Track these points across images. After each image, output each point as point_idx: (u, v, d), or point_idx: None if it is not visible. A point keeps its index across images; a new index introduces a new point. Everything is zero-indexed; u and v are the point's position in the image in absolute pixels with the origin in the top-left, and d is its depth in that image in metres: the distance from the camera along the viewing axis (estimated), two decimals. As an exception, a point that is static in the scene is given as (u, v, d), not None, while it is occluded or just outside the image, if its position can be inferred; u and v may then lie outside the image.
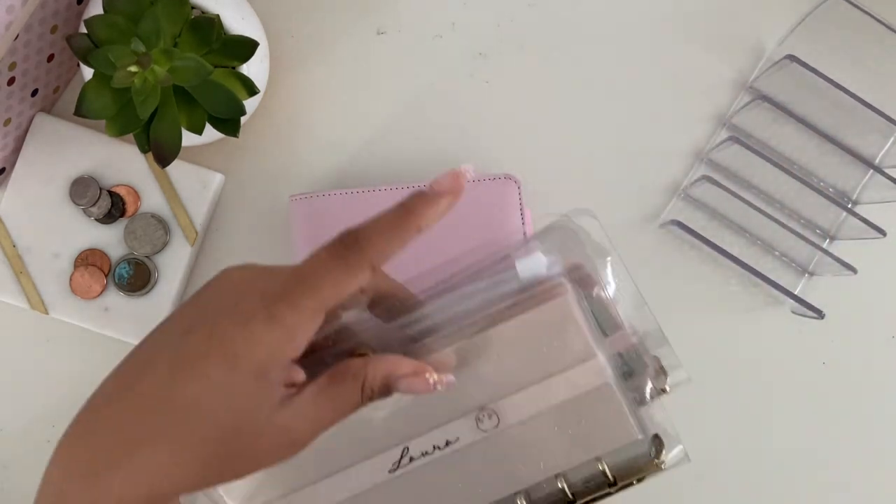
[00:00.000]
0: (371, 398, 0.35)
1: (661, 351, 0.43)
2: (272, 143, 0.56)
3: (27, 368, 0.55)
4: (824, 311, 0.53)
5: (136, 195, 0.54)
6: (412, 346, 0.39)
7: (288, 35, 0.57)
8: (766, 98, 0.54)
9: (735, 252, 0.53)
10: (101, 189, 0.53)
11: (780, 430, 0.56)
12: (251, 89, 0.48)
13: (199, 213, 0.54)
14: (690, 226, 0.53)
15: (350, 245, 0.34)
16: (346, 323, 0.38)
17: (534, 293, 0.39)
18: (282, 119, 0.56)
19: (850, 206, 0.56)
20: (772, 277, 0.53)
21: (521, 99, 0.57)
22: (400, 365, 0.36)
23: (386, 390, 0.35)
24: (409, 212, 0.34)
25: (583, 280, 0.40)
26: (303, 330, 0.33)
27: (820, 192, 0.52)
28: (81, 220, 0.54)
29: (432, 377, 0.36)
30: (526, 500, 0.40)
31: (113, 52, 0.45)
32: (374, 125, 0.56)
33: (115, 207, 0.53)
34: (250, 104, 0.50)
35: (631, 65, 0.57)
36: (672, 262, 0.56)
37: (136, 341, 0.53)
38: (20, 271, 0.53)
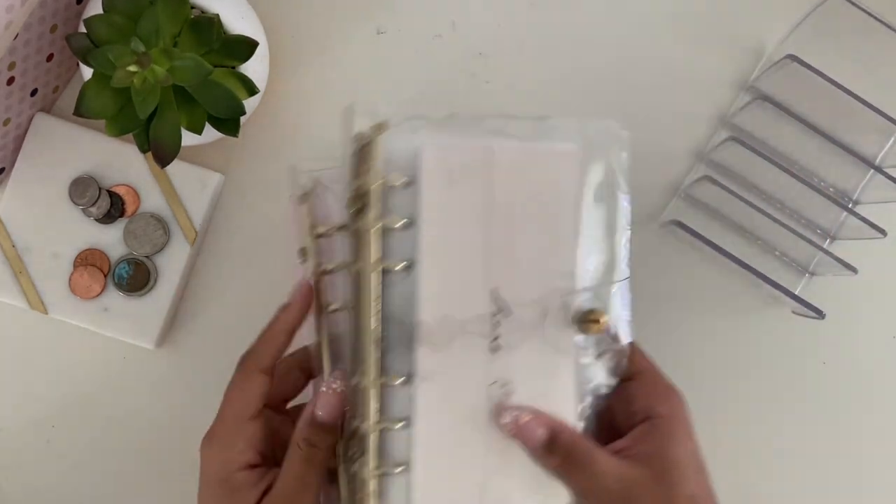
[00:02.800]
0: (306, 444, 0.41)
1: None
2: (272, 143, 0.56)
3: (27, 368, 0.55)
4: (824, 311, 0.53)
5: (136, 195, 0.54)
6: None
7: (288, 35, 0.57)
8: (766, 98, 0.54)
9: (735, 252, 0.53)
10: (100, 189, 0.53)
11: (780, 429, 0.56)
12: (251, 89, 0.48)
13: (198, 213, 0.54)
14: (691, 226, 0.53)
15: (242, 360, 0.44)
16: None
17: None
18: (282, 119, 0.56)
19: (850, 206, 0.56)
20: (772, 277, 0.53)
21: (521, 99, 0.57)
22: (307, 409, 0.42)
23: (314, 429, 0.41)
24: (273, 323, 0.44)
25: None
26: (238, 437, 0.42)
27: (820, 192, 0.52)
28: (81, 220, 0.54)
29: (326, 386, 0.42)
30: None
31: (113, 51, 0.45)
32: (373, 125, 0.56)
33: (114, 207, 0.53)
34: (250, 104, 0.50)
35: (631, 65, 0.57)
36: (672, 262, 0.56)
37: (135, 341, 0.54)
38: (20, 271, 0.53)
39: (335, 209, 0.45)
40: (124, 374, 0.55)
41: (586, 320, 0.42)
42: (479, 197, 0.42)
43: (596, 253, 0.43)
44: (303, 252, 0.46)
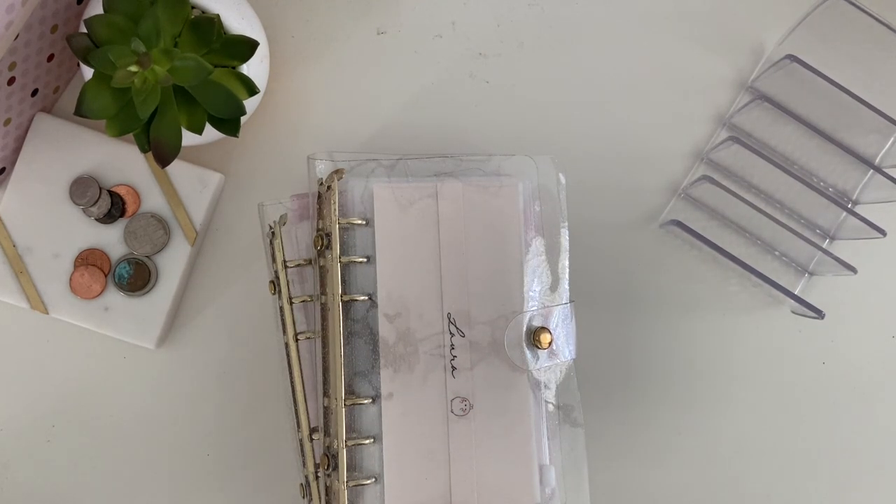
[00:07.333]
0: None
1: None
2: (272, 143, 0.56)
3: (27, 368, 0.55)
4: (824, 311, 0.53)
5: (136, 195, 0.54)
6: None
7: (288, 35, 0.57)
8: (766, 98, 0.54)
9: (735, 252, 0.53)
10: (101, 189, 0.53)
11: (780, 429, 0.56)
12: (251, 89, 0.48)
13: (199, 213, 0.54)
14: (690, 226, 0.53)
15: None
16: None
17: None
18: (282, 119, 0.56)
19: (850, 206, 0.56)
20: (772, 277, 0.53)
21: (520, 99, 0.57)
22: None
23: None
24: None
25: None
26: None
27: (820, 192, 0.52)
28: (81, 220, 0.54)
29: None
30: None
31: (113, 51, 0.45)
32: (373, 125, 0.56)
33: (115, 207, 0.53)
34: (250, 104, 0.50)
35: (631, 65, 0.57)
36: (672, 262, 0.56)
37: (136, 341, 0.54)
38: (20, 271, 0.53)
39: (303, 244, 0.49)
40: (124, 374, 0.55)
41: (534, 338, 0.46)
42: (429, 231, 0.47)
43: (541, 277, 0.48)
44: (273, 284, 0.49)
